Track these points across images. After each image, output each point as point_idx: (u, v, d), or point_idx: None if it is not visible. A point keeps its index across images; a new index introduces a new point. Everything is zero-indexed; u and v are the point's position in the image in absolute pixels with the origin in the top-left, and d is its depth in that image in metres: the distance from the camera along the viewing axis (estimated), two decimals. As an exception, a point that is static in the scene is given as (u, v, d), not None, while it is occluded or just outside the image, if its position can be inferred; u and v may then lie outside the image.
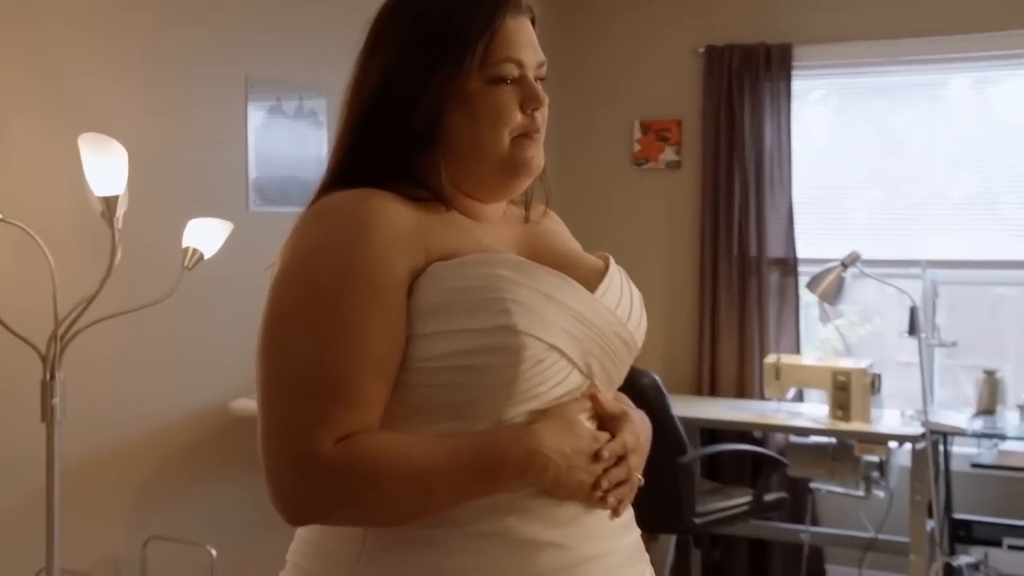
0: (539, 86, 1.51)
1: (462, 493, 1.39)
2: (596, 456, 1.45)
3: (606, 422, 1.51)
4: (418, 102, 1.45)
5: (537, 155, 1.52)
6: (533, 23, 1.55)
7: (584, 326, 1.46)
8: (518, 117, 1.49)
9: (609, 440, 1.48)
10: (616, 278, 1.57)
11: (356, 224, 1.39)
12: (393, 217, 1.41)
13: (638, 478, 1.53)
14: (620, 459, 1.49)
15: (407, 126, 1.46)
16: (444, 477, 1.37)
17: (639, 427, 1.54)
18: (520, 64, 1.49)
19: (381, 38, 1.50)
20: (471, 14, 1.46)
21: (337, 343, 1.36)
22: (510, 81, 1.48)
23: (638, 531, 1.57)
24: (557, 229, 1.71)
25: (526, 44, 1.50)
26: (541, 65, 1.53)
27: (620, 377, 1.56)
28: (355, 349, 1.36)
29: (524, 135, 1.50)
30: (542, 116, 1.52)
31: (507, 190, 1.55)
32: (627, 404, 1.64)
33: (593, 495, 1.45)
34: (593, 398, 1.49)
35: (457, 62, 1.45)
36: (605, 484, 1.46)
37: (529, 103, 1.49)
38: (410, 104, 1.46)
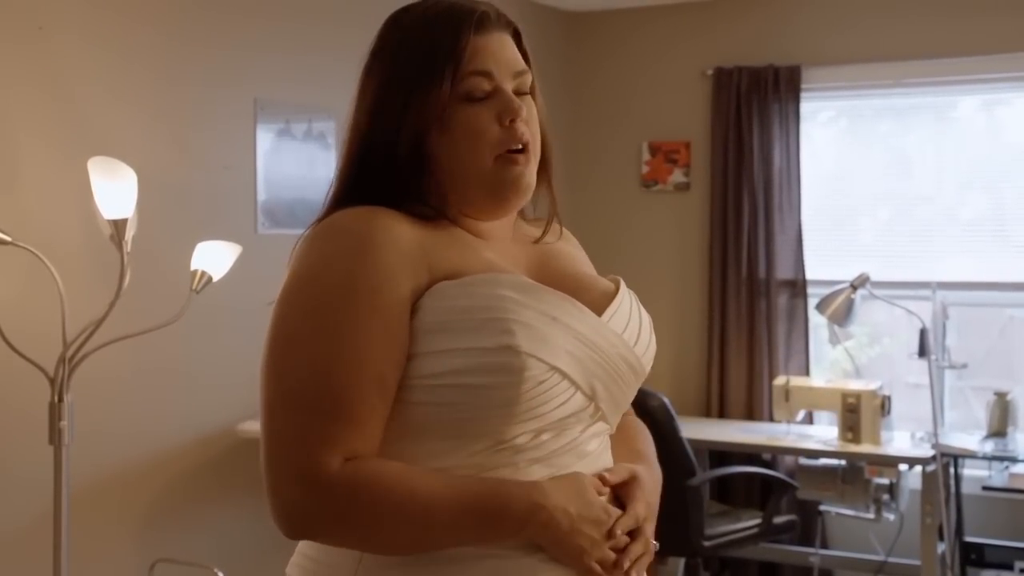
0: (513, 97, 1.49)
1: (460, 533, 1.39)
2: (609, 534, 1.44)
3: (617, 489, 1.50)
4: (400, 130, 1.47)
5: (525, 173, 1.51)
6: (518, 36, 1.55)
7: (589, 348, 1.45)
8: (496, 131, 1.48)
9: (621, 515, 1.47)
10: (626, 302, 1.56)
11: (359, 242, 1.41)
12: (396, 235, 1.42)
13: (654, 544, 1.52)
14: (635, 532, 1.48)
15: (395, 153, 1.48)
16: (444, 513, 1.37)
17: (649, 489, 1.53)
18: (489, 76, 1.48)
19: (369, 71, 1.52)
20: (437, 40, 1.47)
21: (341, 361, 1.37)
22: (484, 97, 1.48)
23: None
24: (572, 251, 1.70)
25: (496, 57, 1.49)
26: (519, 75, 1.52)
27: (626, 401, 1.56)
28: (359, 367, 1.37)
29: (509, 153, 1.49)
30: (527, 129, 1.50)
31: (498, 210, 1.54)
32: (636, 437, 1.63)
33: (591, 566, 1.43)
34: (601, 478, 1.48)
35: (429, 87, 1.46)
36: (627, 563, 1.45)
37: (504, 115, 1.48)
38: (394, 133, 1.47)
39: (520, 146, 1.49)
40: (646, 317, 1.59)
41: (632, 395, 1.57)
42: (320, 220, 1.49)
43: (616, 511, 1.46)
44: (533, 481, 1.41)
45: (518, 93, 1.51)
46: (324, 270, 1.41)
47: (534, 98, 1.56)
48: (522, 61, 1.53)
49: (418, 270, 1.42)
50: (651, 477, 1.56)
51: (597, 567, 1.42)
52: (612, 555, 1.44)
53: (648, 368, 1.56)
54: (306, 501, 1.36)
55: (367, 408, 1.38)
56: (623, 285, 1.60)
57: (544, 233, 1.64)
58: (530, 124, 1.52)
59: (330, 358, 1.37)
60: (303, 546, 1.51)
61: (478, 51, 1.48)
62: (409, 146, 1.47)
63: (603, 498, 1.46)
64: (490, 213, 1.54)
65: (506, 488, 1.40)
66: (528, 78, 1.53)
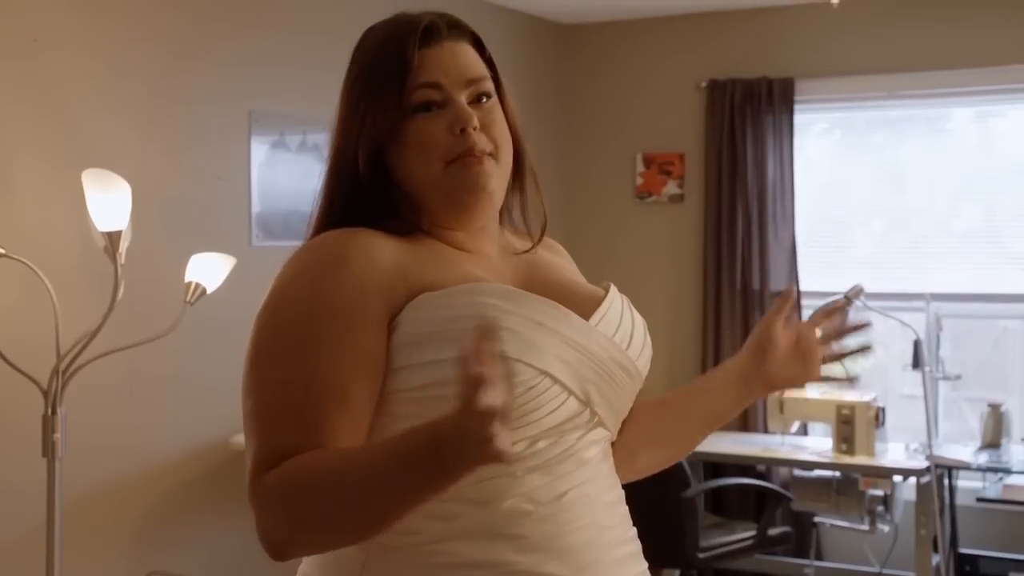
0: (464, 106, 1.48)
1: (389, 485, 1.28)
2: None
3: None
4: (359, 149, 1.48)
5: (481, 175, 1.48)
6: (478, 44, 1.55)
7: (579, 353, 1.44)
8: (447, 141, 1.47)
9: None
10: (616, 305, 1.55)
11: (330, 260, 1.41)
12: (372, 253, 1.42)
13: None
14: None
15: (359, 172, 1.49)
16: (364, 470, 1.30)
17: None
18: (438, 87, 1.48)
19: (341, 94, 1.54)
20: (386, 58, 1.48)
21: (299, 377, 1.37)
22: (435, 107, 1.48)
23: (645, 564, 1.56)
24: (560, 262, 1.69)
25: (445, 67, 1.49)
26: (474, 82, 1.50)
27: (624, 406, 1.54)
28: (316, 382, 1.36)
29: (462, 157, 1.48)
30: (482, 136, 1.48)
31: (463, 216, 1.52)
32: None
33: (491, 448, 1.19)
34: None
35: (380, 105, 1.47)
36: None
37: (455, 124, 1.47)
38: (355, 150, 1.49)
39: (476, 153, 1.48)
40: (640, 320, 1.58)
41: (630, 399, 1.55)
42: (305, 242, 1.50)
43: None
44: None
45: (476, 100, 1.50)
46: (290, 288, 1.42)
47: (504, 102, 1.54)
48: (478, 68, 1.52)
49: (394, 286, 1.41)
50: None
51: (501, 446, 1.18)
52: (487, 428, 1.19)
53: (645, 371, 1.55)
54: (262, 517, 1.35)
55: (325, 421, 1.35)
56: (613, 289, 1.59)
57: (534, 245, 1.62)
58: (493, 129, 1.50)
59: (288, 373, 1.37)
60: (303, 564, 1.49)
61: (425, 64, 1.47)
62: (368, 164, 1.48)
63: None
64: (458, 221, 1.52)
65: (413, 427, 1.28)
66: (487, 83, 1.52)
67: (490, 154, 1.49)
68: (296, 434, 1.35)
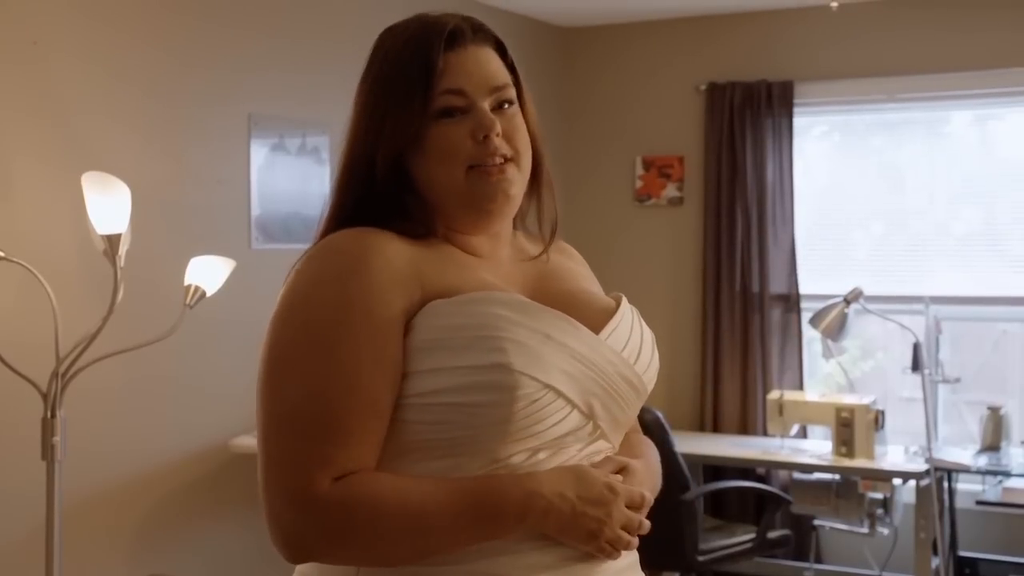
0: (487, 112, 1.47)
1: (460, 535, 1.38)
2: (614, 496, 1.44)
3: None
4: (378, 152, 1.47)
5: (503, 181, 1.48)
6: (500, 49, 1.54)
7: (585, 367, 1.44)
8: (470, 147, 1.47)
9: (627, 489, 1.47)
10: (626, 319, 1.55)
11: (352, 263, 1.40)
12: (389, 255, 1.41)
13: (645, 523, 1.50)
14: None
15: (376, 175, 1.48)
16: (441, 517, 1.36)
17: (639, 480, 1.51)
18: (462, 93, 1.47)
19: (357, 95, 1.53)
20: (409, 61, 1.47)
21: (333, 383, 1.37)
22: (459, 113, 1.47)
23: (642, 575, 1.56)
24: (573, 268, 1.69)
25: (469, 73, 1.48)
26: (498, 89, 1.50)
27: (627, 420, 1.54)
28: (350, 389, 1.37)
29: (484, 166, 1.47)
30: (504, 143, 1.48)
31: (481, 223, 1.52)
32: (638, 446, 1.62)
33: (602, 545, 1.43)
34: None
35: (402, 109, 1.46)
36: (635, 540, 1.46)
37: (478, 131, 1.47)
38: (373, 152, 1.47)
39: (498, 160, 1.48)
40: (648, 334, 1.58)
41: (634, 413, 1.55)
42: (315, 242, 1.48)
43: (625, 487, 1.45)
44: (529, 472, 1.40)
45: (499, 106, 1.50)
46: (316, 291, 1.41)
47: (524, 108, 1.54)
48: (502, 75, 1.51)
49: (411, 289, 1.41)
50: (646, 470, 1.54)
51: (608, 547, 1.42)
52: (624, 535, 1.43)
53: (650, 386, 1.55)
54: (302, 524, 1.35)
55: (359, 428, 1.37)
56: (624, 302, 1.58)
57: (543, 251, 1.62)
58: (515, 136, 1.50)
59: (321, 379, 1.37)
60: (300, 568, 1.49)
61: (449, 69, 1.47)
62: (387, 167, 1.47)
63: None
64: (476, 227, 1.52)
65: (500, 484, 1.39)
66: (510, 91, 1.51)
67: (511, 159, 1.49)
68: (337, 444, 1.36)
